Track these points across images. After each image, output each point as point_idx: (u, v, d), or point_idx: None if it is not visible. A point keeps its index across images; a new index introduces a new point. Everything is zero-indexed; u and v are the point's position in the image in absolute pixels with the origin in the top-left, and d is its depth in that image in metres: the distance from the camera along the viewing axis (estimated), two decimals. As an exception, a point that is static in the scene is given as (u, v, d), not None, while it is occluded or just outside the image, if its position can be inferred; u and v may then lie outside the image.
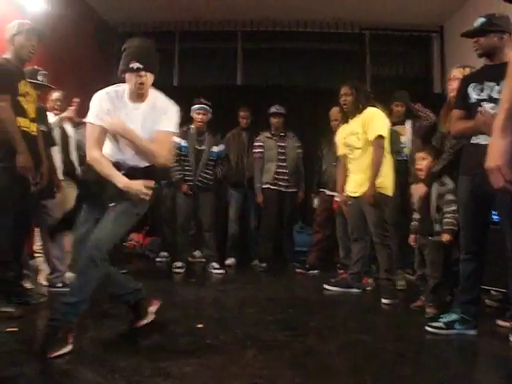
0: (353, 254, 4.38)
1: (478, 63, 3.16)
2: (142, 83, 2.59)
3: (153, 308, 3.01)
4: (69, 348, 2.40)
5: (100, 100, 2.63)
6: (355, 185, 4.15)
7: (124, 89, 2.67)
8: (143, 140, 2.60)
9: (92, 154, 2.59)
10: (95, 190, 2.66)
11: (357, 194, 4.11)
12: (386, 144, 4.06)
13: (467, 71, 3.54)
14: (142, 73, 2.57)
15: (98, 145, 2.61)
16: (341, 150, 4.33)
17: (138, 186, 2.57)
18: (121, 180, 2.56)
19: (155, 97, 2.72)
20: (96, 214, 2.66)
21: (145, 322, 2.94)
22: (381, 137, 3.98)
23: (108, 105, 2.62)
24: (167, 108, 2.71)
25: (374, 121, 4.02)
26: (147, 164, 2.71)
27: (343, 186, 4.32)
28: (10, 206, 3.17)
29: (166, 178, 5.23)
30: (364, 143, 4.05)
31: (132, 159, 2.67)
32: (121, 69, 2.64)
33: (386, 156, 4.05)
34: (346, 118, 4.29)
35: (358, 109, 4.10)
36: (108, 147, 2.68)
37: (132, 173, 2.64)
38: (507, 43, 2.89)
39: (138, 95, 2.64)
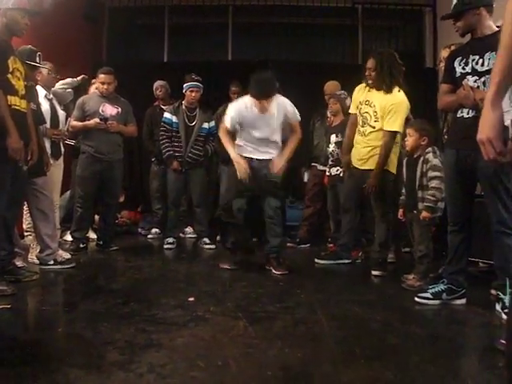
0: (342, 225, 4.41)
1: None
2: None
3: None
4: None
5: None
6: (360, 157, 4.06)
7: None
8: None
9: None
10: None
11: (361, 167, 4.05)
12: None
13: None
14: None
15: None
16: (354, 109, 4.17)
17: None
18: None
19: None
20: None
21: None
22: (396, 132, 3.91)
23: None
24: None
25: (396, 114, 3.86)
26: None
27: (350, 147, 4.18)
28: (4, 187, 3.12)
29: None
30: (379, 126, 3.93)
31: None
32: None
33: None
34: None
35: (381, 86, 3.92)
36: None
37: None
38: (485, 15, 2.84)
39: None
